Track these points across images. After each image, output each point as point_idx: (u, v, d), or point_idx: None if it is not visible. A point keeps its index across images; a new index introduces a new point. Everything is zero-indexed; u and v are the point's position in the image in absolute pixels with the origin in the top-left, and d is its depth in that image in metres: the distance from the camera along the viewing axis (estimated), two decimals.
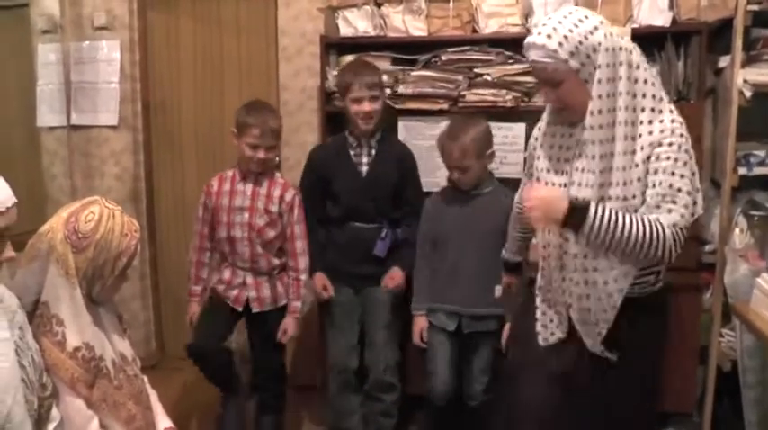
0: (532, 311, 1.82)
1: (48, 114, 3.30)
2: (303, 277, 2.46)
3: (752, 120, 2.48)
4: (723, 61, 2.57)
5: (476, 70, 2.71)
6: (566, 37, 1.53)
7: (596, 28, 1.54)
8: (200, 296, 2.51)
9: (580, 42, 1.53)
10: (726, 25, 2.47)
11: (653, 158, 1.54)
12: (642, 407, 1.79)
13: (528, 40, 1.60)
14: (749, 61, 2.43)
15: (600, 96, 1.54)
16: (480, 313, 2.35)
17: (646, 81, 1.56)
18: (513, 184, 2.36)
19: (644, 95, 1.55)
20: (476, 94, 2.71)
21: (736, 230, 2.50)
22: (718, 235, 2.54)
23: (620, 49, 1.54)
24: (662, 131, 1.55)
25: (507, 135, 2.59)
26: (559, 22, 1.55)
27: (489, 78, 2.69)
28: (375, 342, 2.51)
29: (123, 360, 1.53)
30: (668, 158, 1.53)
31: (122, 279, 1.52)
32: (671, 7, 2.59)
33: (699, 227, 2.59)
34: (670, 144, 1.54)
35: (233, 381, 2.57)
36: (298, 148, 3.09)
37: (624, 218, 1.53)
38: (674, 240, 1.53)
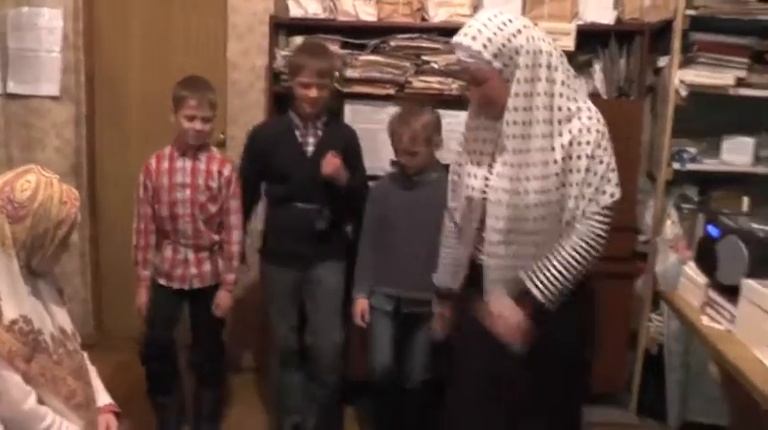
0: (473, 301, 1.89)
1: None
2: (235, 249, 2.46)
3: (687, 118, 2.61)
4: (662, 61, 2.69)
5: (423, 57, 2.74)
6: (490, 39, 1.60)
7: (519, 31, 1.61)
8: (149, 280, 2.48)
9: (503, 45, 1.60)
10: (666, 27, 2.59)
11: (574, 156, 1.64)
12: (572, 389, 1.88)
13: (454, 39, 1.66)
14: (686, 62, 2.56)
15: (518, 95, 1.62)
16: (420, 297, 2.40)
17: (563, 83, 1.64)
18: None
19: (561, 95, 1.64)
20: (422, 80, 2.74)
21: (668, 222, 2.63)
22: (652, 226, 2.67)
23: (541, 52, 1.62)
24: (579, 130, 1.64)
25: (451, 122, 2.62)
26: (485, 25, 1.61)
27: (436, 66, 2.72)
28: (317, 322, 2.52)
29: (63, 334, 1.50)
30: (586, 156, 1.63)
31: (63, 249, 1.48)
32: (615, 6, 2.68)
33: (634, 218, 2.71)
34: (588, 142, 1.63)
35: (173, 390, 2.56)
36: (245, 127, 3.01)
37: (559, 266, 1.66)
38: (599, 236, 1.66)
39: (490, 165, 1.76)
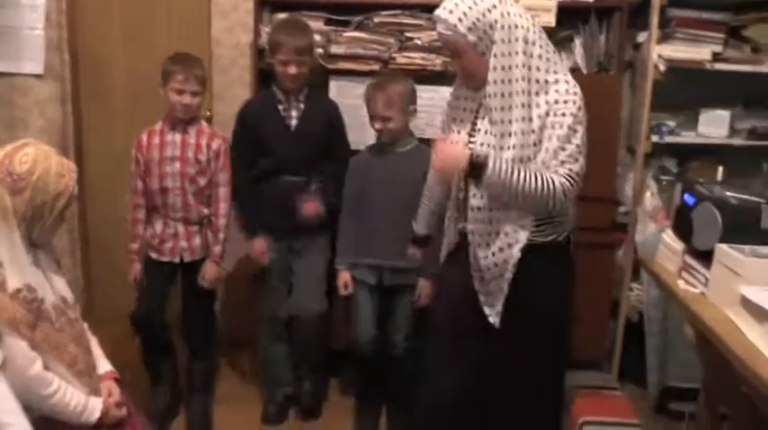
0: (453, 271, 1.97)
1: None
2: (222, 222, 2.51)
3: (665, 92, 2.66)
4: (641, 37, 2.74)
5: (407, 34, 2.77)
6: (465, 13, 1.70)
7: (495, 6, 1.71)
8: (140, 253, 2.53)
9: (477, 19, 1.70)
10: (645, 3, 2.63)
11: (548, 125, 1.73)
12: (555, 353, 1.96)
13: (435, 13, 1.76)
14: (664, 38, 2.61)
15: (495, 68, 1.71)
16: (401, 266, 2.46)
17: (540, 56, 1.74)
18: None
19: (538, 69, 1.73)
20: (406, 56, 2.78)
21: (647, 193, 2.71)
22: (632, 197, 2.75)
23: (516, 26, 1.71)
24: (555, 101, 1.73)
25: (434, 97, 2.67)
26: (462, 0, 1.70)
27: (419, 42, 2.76)
28: (300, 292, 2.59)
29: (64, 303, 1.54)
30: (560, 126, 1.72)
31: (61, 220, 1.52)
32: None
33: (614, 190, 2.79)
34: (563, 114, 1.72)
35: (165, 354, 2.63)
36: (231, 103, 3.06)
37: (519, 171, 1.72)
38: (563, 192, 1.74)
39: (471, 134, 1.85)
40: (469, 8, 1.70)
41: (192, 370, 2.66)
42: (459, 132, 1.89)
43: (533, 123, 1.73)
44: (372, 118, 2.42)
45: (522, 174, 1.72)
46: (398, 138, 2.45)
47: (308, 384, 2.69)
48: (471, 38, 1.71)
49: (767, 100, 2.73)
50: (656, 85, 2.63)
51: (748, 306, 1.44)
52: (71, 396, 1.47)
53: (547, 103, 1.73)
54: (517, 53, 1.71)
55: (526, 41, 1.71)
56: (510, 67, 1.71)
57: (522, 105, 1.72)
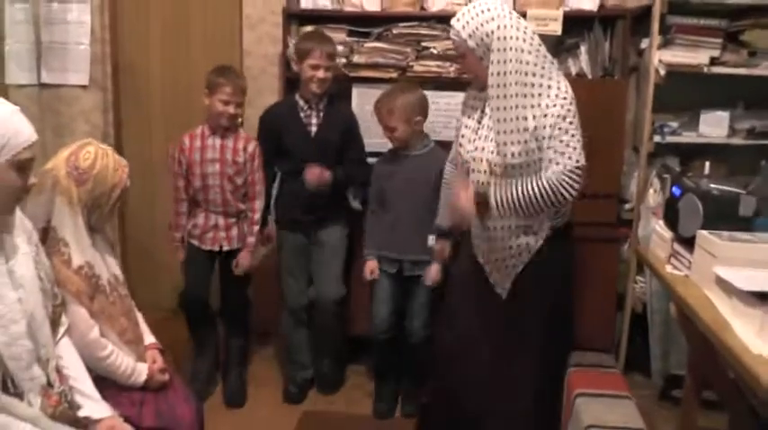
0: (462, 256, 2.16)
1: (17, 72, 3.40)
2: (257, 216, 2.78)
3: (668, 95, 2.81)
4: (644, 43, 2.89)
5: (423, 44, 2.98)
6: (468, 22, 1.97)
7: (493, 19, 1.94)
8: (182, 242, 2.81)
9: (476, 28, 1.96)
10: (646, 11, 2.79)
11: (546, 126, 1.93)
12: (555, 332, 2.13)
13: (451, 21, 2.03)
14: (665, 44, 2.75)
15: (493, 74, 1.96)
16: (418, 259, 2.66)
17: (536, 64, 1.95)
18: None
19: (533, 74, 1.94)
20: (422, 65, 2.98)
21: (651, 191, 2.84)
22: (636, 194, 2.89)
23: (510, 38, 1.93)
24: (547, 105, 1.93)
25: (450, 102, 2.88)
26: (468, 10, 1.97)
27: (435, 51, 2.96)
28: (320, 279, 2.82)
29: (116, 280, 1.77)
30: (552, 126, 1.92)
31: (115, 209, 1.75)
32: None
33: (619, 187, 2.94)
34: (555, 115, 1.93)
35: (209, 332, 2.91)
36: (259, 109, 3.24)
37: (519, 191, 1.95)
38: (566, 189, 1.93)
39: (476, 130, 2.08)
40: (472, 18, 1.97)
41: (229, 346, 2.93)
42: (467, 126, 2.13)
43: (528, 122, 1.94)
44: (382, 127, 2.63)
45: (523, 192, 1.94)
46: (409, 143, 2.64)
47: (327, 363, 2.91)
48: (471, 43, 1.97)
49: (765, 101, 2.86)
50: (659, 88, 2.76)
51: (721, 284, 1.60)
52: (122, 360, 1.69)
53: (539, 105, 1.94)
54: (511, 61, 1.93)
55: (520, 51, 1.94)
56: (505, 73, 1.94)
57: (517, 107, 1.94)
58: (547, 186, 1.93)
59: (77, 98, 3.42)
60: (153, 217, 3.55)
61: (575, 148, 1.93)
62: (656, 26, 2.71)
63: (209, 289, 2.84)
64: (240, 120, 3.34)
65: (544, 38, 2.68)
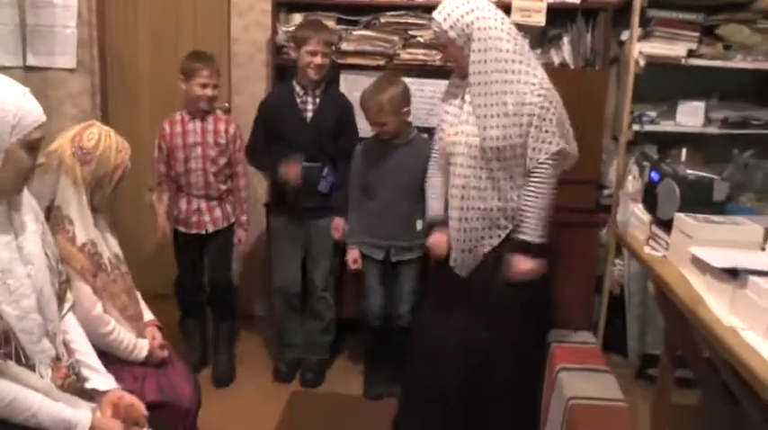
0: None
1: (2, 54, 3.40)
2: (244, 194, 2.89)
3: (647, 85, 2.91)
4: (625, 35, 2.98)
5: (410, 32, 3.04)
6: (449, 14, 2.08)
7: (472, 10, 2.05)
8: (164, 215, 2.90)
9: (457, 19, 2.07)
10: (627, 4, 2.87)
11: (526, 113, 2.04)
12: (538, 321, 2.24)
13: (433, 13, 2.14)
14: (645, 36, 2.85)
15: (474, 62, 2.08)
16: (405, 245, 2.73)
17: (515, 52, 2.06)
18: None
19: (513, 61, 2.05)
20: (409, 53, 3.04)
21: (629, 177, 2.95)
22: (615, 181, 3.00)
23: (489, 28, 2.05)
24: (525, 93, 2.05)
25: (435, 90, 2.94)
26: (449, 2, 2.08)
27: (421, 40, 3.02)
28: (316, 266, 2.88)
29: (117, 259, 1.82)
30: (531, 114, 2.04)
31: (117, 190, 1.79)
32: None
33: (599, 174, 3.04)
34: (533, 103, 2.05)
35: (199, 319, 3.02)
36: (248, 96, 3.35)
37: (535, 209, 2.12)
38: (548, 174, 2.09)
39: (458, 116, 2.18)
40: (453, 10, 2.08)
41: (217, 329, 3.00)
42: (448, 112, 2.25)
43: (508, 107, 2.06)
44: (369, 123, 2.68)
45: (537, 207, 2.12)
46: (398, 133, 2.70)
47: (318, 349, 2.97)
48: (452, 34, 2.08)
49: (739, 92, 2.98)
50: (638, 78, 2.86)
51: (696, 262, 1.69)
52: (124, 335, 1.75)
53: (518, 92, 2.05)
54: (490, 49, 2.05)
55: (499, 40, 2.05)
56: (485, 61, 2.06)
57: (497, 92, 2.07)
58: (541, 184, 2.07)
59: (64, 81, 3.43)
60: (141, 201, 3.57)
61: (554, 133, 2.06)
62: (636, 19, 2.80)
63: (202, 273, 2.91)
64: (227, 106, 3.41)
65: (528, 29, 2.81)
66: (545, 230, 2.14)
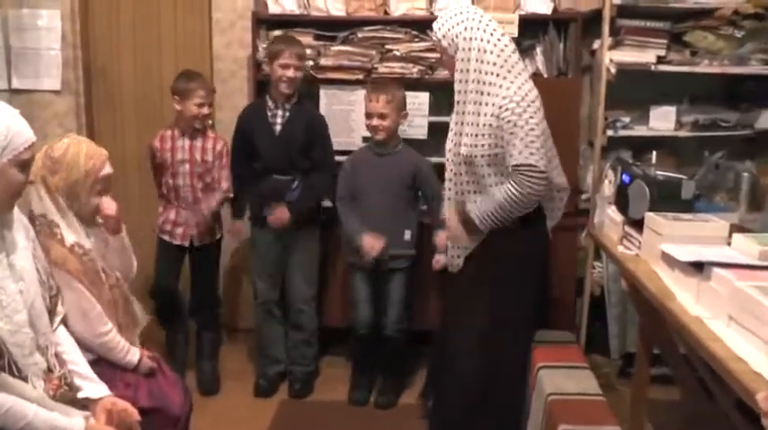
0: None
1: None
2: (225, 186, 2.91)
3: (620, 92, 3.00)
4: (596, 44, 3.08)
5: (387, 46, 3.12)
6: (443, 23, 2.20)
7: (462, 21, 2.15)
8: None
9: (449, 29, 2.19)
10: (597, 15, 2.98)
11: (502, 122, 2.10)
12: (521, 312, 2.29)
13: None
14: (615, 45, 2.95)
15: (458, 70, 2.18)
16: (394, 253, 2.79)
17: (495, 63, 2.14)
18: (417, 145, 2.94)
19: (491, 73, 2.13)
20: (387, 66, 3.12)
21: (606, 182, 3.01)
22: (592, 186, 3.08)
23: (474, 39, 2.14)
24: (500, 106, 2.11)
25: (414, 102, 3.02)
26: (446, 12, 2.21)
27: (398, 53, 3.11)
28: (294, 278, 2.92)
29: (112, 270, 1.87)
30: (508, 122, 2.10)
31: (97, 199, 1.82)
32: None
33: (576, 179, 3.12)
34: (510, 112, 2.10)
35: (179, 322, 3.01)
36: (230, 111, 3.38)
37: (493, 206, 2.16)
38: (530, 185, 2.10)
39: (451, 126, 2.30)
40: (446, 20, 2.21)
41: (201, 338, 3.03)
42: (450, 119, 2.33)
43: (480, 118, 2.14)
44: (369, 116, 2.75)
45: (498, 208, 2.15)
46: (389, 140, 2.77)
47: (302, 360, 2.99)
48: (444, 43, 2.21)
49: (707, 96, 3.08)
50: (610, 85, 2.95)
51: (665, 258, 1.77)
52: (119, 338, 1.80)
53: (493, 104, 2.12)
54: (472, 60, 2.14)
55: (483, 51, 2.13)
56: (467, 71, 2.15)
57: (474, 102, 2.16)
58: (513, 189, 2.11)
59: (50, 103, 3.47)
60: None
61: (532, 143, 2.09)
62: (606, 28, 2.90)
63: (178, 279, 2.95)
64: (211, 122, 3.46)
65: None
66: (488, 224, 2.18)
